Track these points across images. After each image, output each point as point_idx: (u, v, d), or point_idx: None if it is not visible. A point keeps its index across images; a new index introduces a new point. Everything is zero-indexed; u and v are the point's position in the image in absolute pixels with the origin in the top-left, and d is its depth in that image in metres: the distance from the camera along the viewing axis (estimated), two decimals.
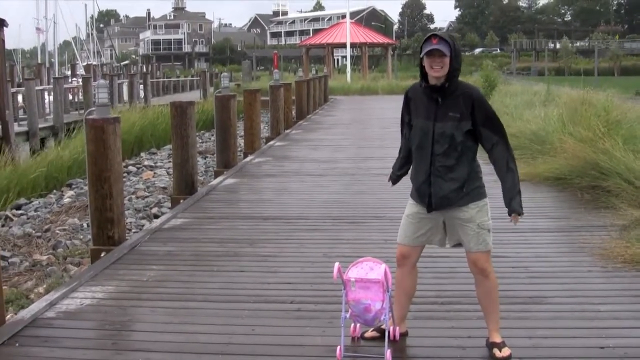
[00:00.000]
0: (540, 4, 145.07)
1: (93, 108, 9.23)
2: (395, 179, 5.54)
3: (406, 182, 5.32)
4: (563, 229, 8.89)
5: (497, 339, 5.06)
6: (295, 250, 8.28)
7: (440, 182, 4.93)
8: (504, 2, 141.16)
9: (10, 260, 10.90)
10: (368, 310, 4.91)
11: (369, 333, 5.34)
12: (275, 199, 11.52)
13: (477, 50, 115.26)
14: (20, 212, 15.10)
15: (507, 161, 4.93)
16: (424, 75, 4.93)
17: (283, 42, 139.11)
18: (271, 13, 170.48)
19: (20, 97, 28.39)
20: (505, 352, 4.98)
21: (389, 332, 5.01)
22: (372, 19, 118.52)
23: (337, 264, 4.83)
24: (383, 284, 4.85)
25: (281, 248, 8.33)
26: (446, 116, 4.87)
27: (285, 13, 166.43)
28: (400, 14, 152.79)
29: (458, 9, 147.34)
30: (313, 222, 9.69)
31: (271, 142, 19.90)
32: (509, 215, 4.97)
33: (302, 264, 7.62)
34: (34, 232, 12.87)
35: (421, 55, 4.83)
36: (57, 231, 12.80)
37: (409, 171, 5.28)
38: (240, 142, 20.56)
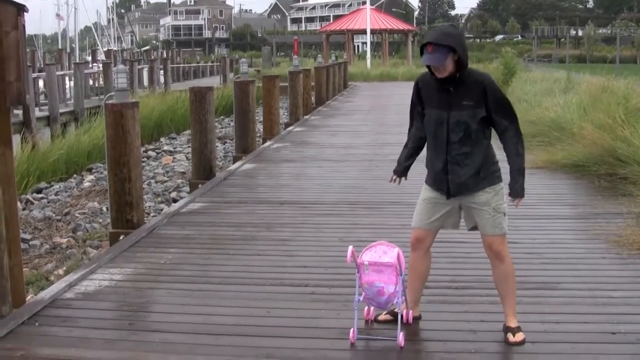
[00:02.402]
0: None
1: (112, 93, 9.32)
2: (401, 171, 5.47)
3: (421, 169, 5.33)
4: (579, 216, 8.90)
5: (513, 323, 5.09)
6: (312, 234, 8.34)
7: (457, 169, 4.97)
8: None
9: (31, 243, 11.05)
10: (381, 293, 4.96)
11: (383, 316, 5.40)
12: (292, 184, 11.59)
13: (499, 37, 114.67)
14: (40, 195, 15.27)
15: (517, 146, 4.99)
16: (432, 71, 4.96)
17: (303, 28, 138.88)
18: None
19: (41, 82, 28.59)
20: (519, 337, 5.02)
21: (402, 315, 5.07)
22: (392, 5, 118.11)
23: (350, 247, 4.88)
24: (396, 267, 4.90)
25: (298, 232, 8.41)
26: (460, 105, 4.89)
27: None
28: (421, 1, 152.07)
29: None
30: (330, 207, 9.75)
31: (290, 128, 19.96)
32: (511, 196, 5.04)
33: (318, 248, 7.69)
34: (54, 215, 13.02)
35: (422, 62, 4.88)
36: (77, 215, 12.94)
37: (425, 159, 5.23)
38: (260, 127, 20.64)
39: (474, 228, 5.18)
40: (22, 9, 6.27)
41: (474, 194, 5.02)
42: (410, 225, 5.38)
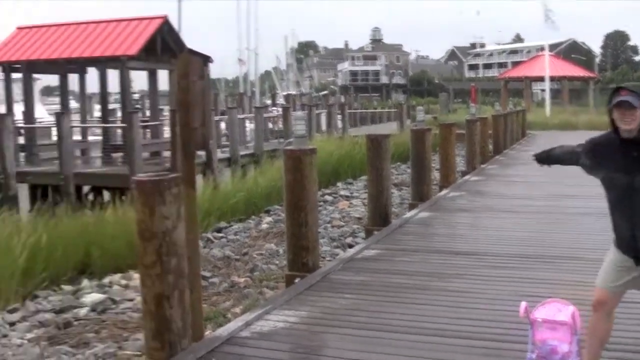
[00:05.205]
0: None
1: (291, 139, 9.62)
2: (543, 159, 5.54)
3: (600, 225, 5.20)
4: None
5: None
6: (484, 286, 8.24)
7: None
8: None
9: (210, 280, 11.51)
10: (555, 352, 4.88)
11: None
12: (467, 234, 11.51)
13: None
14: (220, 235, 15.88)
15: None
16: (615, 128, 4.75)
17: (481, 75, 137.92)
18: (468, 45, 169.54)
19: (223, 125, 29.87)
20: None
21: None
22: (572, 51, 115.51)
23: (524, 303, 4.85)
24: (571, 326, 4.81)
25: (470, 284, 8.34)
26: None
27: (482, 45, 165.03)
28: (603, 47, 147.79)
29: None
30: (504, 260, 9.60)
31: (466, 177, 19.83)
32: None
33: (490, 301, 7.58)
34: (233, 254, 13.50)
35: (609, 107, 4.70)
36: (255, 255, 13.36)
37: (611, 222, 4.97)
38: (436, 175, 20.62)
39: None
40: (207, 59, 6.68)
41: None
42: (588, 282, 5.23)
